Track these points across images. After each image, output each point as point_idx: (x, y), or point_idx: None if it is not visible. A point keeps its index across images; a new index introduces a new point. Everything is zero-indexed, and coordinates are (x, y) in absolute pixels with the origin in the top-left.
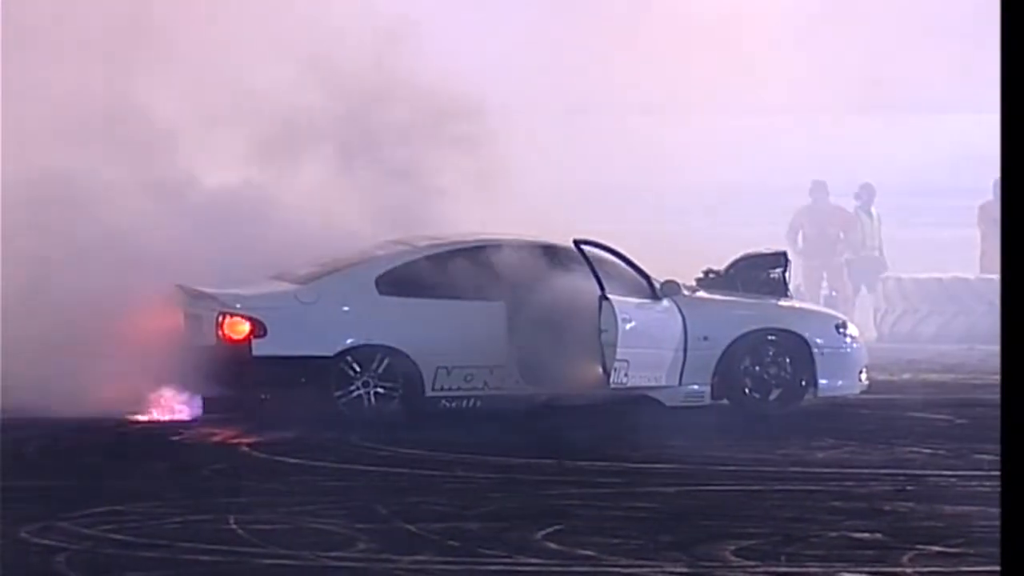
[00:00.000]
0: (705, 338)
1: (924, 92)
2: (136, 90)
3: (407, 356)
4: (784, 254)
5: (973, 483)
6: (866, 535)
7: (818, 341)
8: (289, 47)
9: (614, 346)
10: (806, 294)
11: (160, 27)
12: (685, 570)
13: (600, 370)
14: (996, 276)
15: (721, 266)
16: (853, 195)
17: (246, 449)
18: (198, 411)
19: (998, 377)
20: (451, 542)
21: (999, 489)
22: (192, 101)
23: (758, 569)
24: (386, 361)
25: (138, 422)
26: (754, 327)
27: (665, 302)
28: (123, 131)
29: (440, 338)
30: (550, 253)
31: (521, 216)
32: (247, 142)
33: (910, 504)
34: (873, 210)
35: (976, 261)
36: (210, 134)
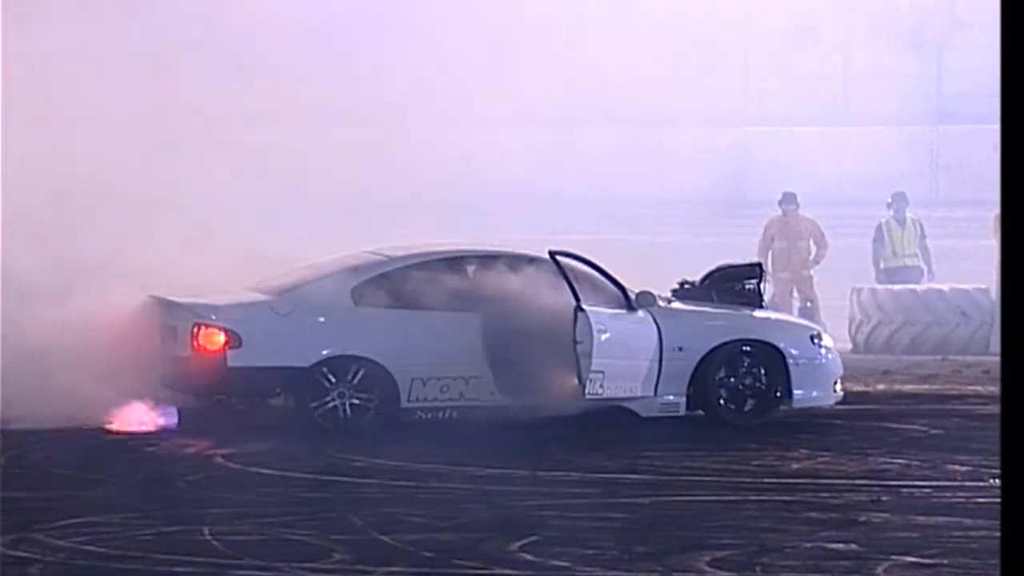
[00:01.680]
0: (680, 349)
1: (894, 103)
2: None
3: (382, 367)
4: (759, 265)
5: (947, 494)
6: (841, 546)
7: (793, 352)
8: None
9: (589, 357)
10: (780, 305)
11: None
12: None
13: (575, 381)
14: (969, 287)
15: (696, 277)
16: (885, 204)
17: (221, 460)
18: (173, 422)
19: (971, 387)
20: (426, 553)
21: (974, 499)
22: None
23: None
24: (361, 372)
25: (112, 433)
26: (729, 338)
27: (640, 313)
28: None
29: (416, 349)
30: (525, 264)
31: (496, 226)
32: None
33: (885, 515)
34: (909, 218)
35: (963, 272)
36: None
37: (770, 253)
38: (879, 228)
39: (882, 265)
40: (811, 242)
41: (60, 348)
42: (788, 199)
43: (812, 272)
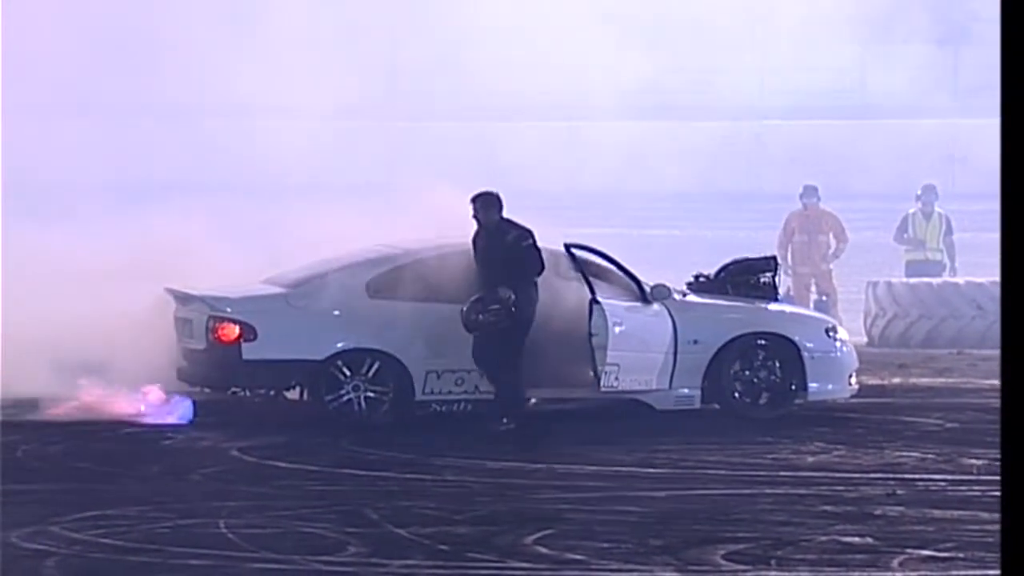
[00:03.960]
0: (695, 342)
1: (910, 97)
2: None
3: (397, 360)
4: (774, 258)
5: (963, 487)
6: (856, 539)
7: (808, 345)
8: None
9: (604, 350)
10: (797, 299)
11: None
12: (675, 574)
13: (591, 374)
14: (984, 280)
15: (712, 270)
16: (914, 197)
17: (236, 453)
18: (188, 415)
19: (987, 381)
20: (441, 546)
21: (989, 493)
22: None
23: (748, 573)
24: (376, 365)
25: (128, 426)
26: (744, 331)
27: (655, 306)
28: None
29: (430, 342)
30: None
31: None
32: None
33: (900, 508)
34: (937, 211)
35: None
36: None
37: (790, 247)
38: (904, 219)
39: (904, 258)
40: (831, 236)
41: (74, 340)
42: (809, 192)
43: (831, 266)
